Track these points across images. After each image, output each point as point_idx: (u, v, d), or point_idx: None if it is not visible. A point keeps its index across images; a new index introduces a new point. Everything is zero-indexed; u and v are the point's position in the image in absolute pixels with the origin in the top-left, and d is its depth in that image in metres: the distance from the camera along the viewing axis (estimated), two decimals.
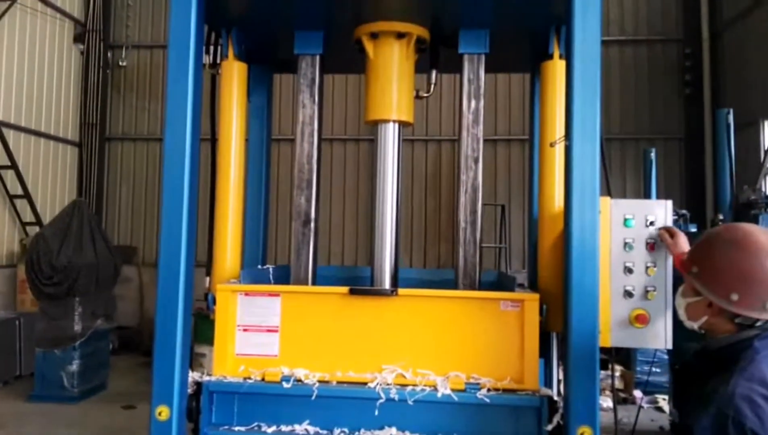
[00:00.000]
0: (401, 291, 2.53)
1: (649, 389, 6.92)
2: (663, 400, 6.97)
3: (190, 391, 2.48)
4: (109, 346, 7.64)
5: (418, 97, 2.92)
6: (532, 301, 2.45)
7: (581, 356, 2.27)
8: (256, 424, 2.51)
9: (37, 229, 8.39)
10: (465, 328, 2.48)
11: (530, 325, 2.44)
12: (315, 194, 2.88)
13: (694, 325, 1.80)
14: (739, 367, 1.61)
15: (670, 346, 2.42)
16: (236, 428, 2.50)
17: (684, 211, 6.85)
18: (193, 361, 6.57)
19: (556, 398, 2.39)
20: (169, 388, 2.40)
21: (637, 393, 7.10)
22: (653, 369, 6.91)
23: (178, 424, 2.42)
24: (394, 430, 2.42)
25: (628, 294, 2.43)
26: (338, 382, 2.48)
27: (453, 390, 2.38)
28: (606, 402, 6.72)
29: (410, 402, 2.38)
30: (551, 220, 2.74)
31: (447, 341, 2.48)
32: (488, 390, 2.39)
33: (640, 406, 6.49)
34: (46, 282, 6.79)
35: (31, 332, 7.32)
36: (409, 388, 2.41)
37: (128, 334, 9.17)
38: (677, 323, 2.32)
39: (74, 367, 6.85)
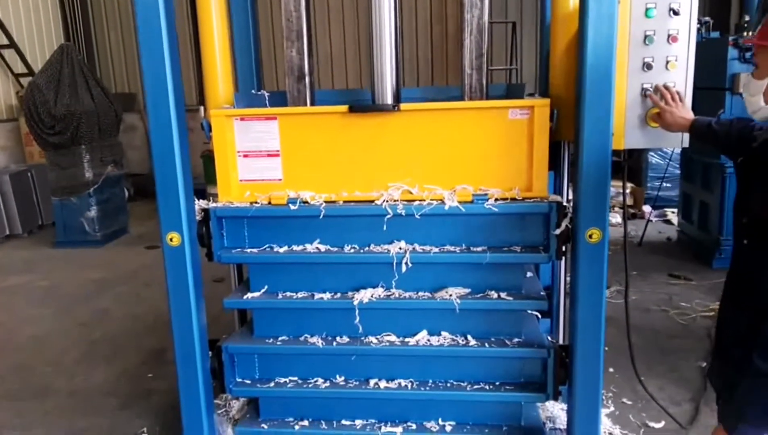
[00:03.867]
0: (404, 106, 2.40)
1: (658, 204, 7.00)
2: (671, 213, 7.09)
3: (198, 218, 2.48)
4: (124, 192, 7.76)
5: None
6: (542, 106, 2.32)
7: (593, 159, 2.19)
8: (267, 246, 2.56)
9: (30, 79, 8.15)
10: (472, 141, 2.39)
11: (540, 132, 2.34)
12: (307, 46, 2.60)
13: None
14: None
15: (686, 144, 2.33)
16: (248, 250, 2.55)
17: (707, 18, 6.43)
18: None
19: (565, 203, 2.36)
20: (176, 215, 2.41)
21: (646, 208, 7.21)
22: (664, 184, 6.94)
23: (191, 248, 2.46)
24: (402, 243, 2.45)
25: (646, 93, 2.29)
26: (345, 202, 2.46)
27: (460, 202, 2.36)
28: (615, 218, 6.87)
29: (417, 216, 2.37)
30: (564, 22, 2.51)
31: (453, 155, 2.41)
32: (496, 200, 2.36)
33: (649, 220, 6.65)
34: (49, 132, 6.73)
35: (44, 183, 7.42)
36: (416, 202, 2.39)
37: (141, 181, 9.28)
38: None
39: (93, 213, 7.02)
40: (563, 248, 2.35)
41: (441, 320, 2.54)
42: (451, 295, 2.45)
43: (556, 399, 2.52)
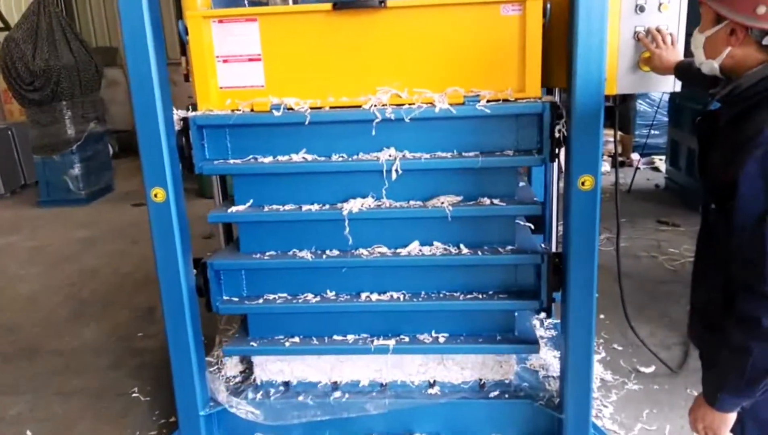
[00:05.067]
0: (390, 2, 2.27)
1: (646, 151, 6.98)
2: (659, 160, 7.08)
3: (177, 127, 2.38)
4: (108, 148, 7.62)
5: None
6: (535, 1, 2.22)
7: (585, 106, 2.14)
8: (251, 157, 2.47)
9: (6, 34, 7.86)
10: (463, 39, 2.29)
11: (533, 29, 2.24)
12: None
13: (715, 64, 1.52)
14: None
15: (678, 88, 2.27)
16: (231, 161, 2.47)
17: None
18: None
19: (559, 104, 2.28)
20: (160, 170, 2.33)
21: (635, 156, 7.19)
22: (652, 131, 6.90)
23: (176, 204, 2.39)
24: (392, 150, 2.38)
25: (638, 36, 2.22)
26: (331, 108, 2.37)
27: (451, 104, 2.27)
28: (604, 166, 6.84)
29: (407, 120, 2.28)
30: None
31: (443, 56, 2.32)
32: (488, 101, 2.27)
33: (637, 168, 6.63)
34: (28, 88, 6.56)
35: (26, 141, 7.27)
36: (406, 106, 2.30)
37: (125, 138, 9.10)
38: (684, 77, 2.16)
39: (76, 170, 6.90)
40: (556, 150, 2.29)
41: (433, 230, 2.48)
42: (442, 203, 2.39)
43: (549, 309, 2.51)
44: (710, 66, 1.55)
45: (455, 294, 2.53)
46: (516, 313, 2.62)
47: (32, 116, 6.78)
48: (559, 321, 3.31)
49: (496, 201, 2.41)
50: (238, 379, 2.84)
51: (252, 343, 2.66)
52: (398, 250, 2.49)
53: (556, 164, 3.03)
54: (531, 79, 2.29)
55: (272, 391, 2.72)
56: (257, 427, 2.66)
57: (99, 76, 7.18)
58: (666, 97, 6.24)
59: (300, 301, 2.56)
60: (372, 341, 2.56)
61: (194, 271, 2.52)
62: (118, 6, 2.20)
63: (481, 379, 2.68)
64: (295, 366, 2.73)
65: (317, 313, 2.58)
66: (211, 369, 2.83)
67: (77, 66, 6.70)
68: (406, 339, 2.57)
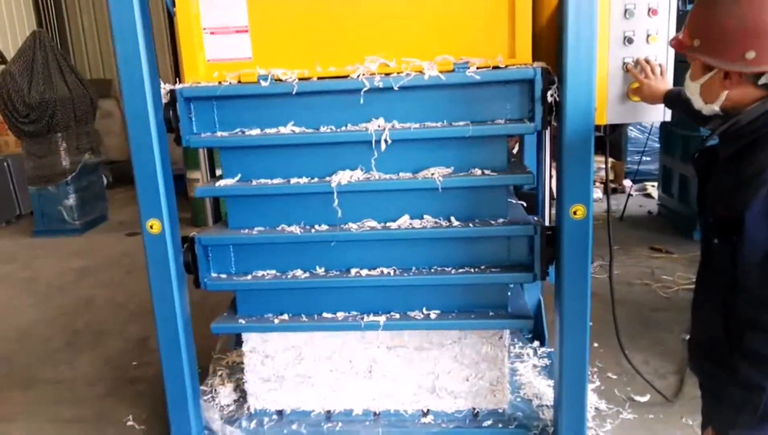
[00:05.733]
0: None
1: (638, 178, 7.05)
2: (651, 187, 7.14)
3: (164, 100, 2.37)
4: (102, 179, 7.64)
5: None
6: None
7: (576, 137, 2.19)
8: (239, 130, 2.46)
9: (3, 67, 7.95)
10: (451, 6, 2.29)
11: None
12: None
13: (715, 107, 1.53)
14: None
15: (668, 118, 2.33)
16: (219, 134, 2.46)
17: None
18: (187, 186, 6.61)
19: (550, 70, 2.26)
20: (156, 202, 2.37)
21: (627, 182, 7.26)
22: (644, 158, 6.97)
23: (171, 235, 2.42)
24: (381, 120, 2.36)
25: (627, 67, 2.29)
26: (319, 78, 2.35)
27: (441, 72, 2.26)
28: (596, 193, 6.90)
29: (396, 89, 2.26)
30: None
31: (432, 24, 2.31)
32: (478, 68, 2.26)
33: (629, 194, 6.70)
34: (24, 120, 6.61)
35: (21, 172, 7.28)
36: (394, 74, 2.29)
37: (120, 168, 9.14)
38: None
39: (71, 201, 6.91)
40: (549, 118, 2.26)
41: (423, 203, 2.45)
42: (433, 174, 2.36)
43: (543, 279, 2.42)
44: (711, 109, 1.56)
45: (447, 269, 2.48)
46: (509, 291, 2.57)
47: (27, 148, 6.81)
48: (552, 350, 3.33)
49: (487, 172, 2.38)
50: (231, 408, 2.84)
51: (240, 320, 2.60)
52: (388, 224, 2.45)
53: (548, 143, 3.05)
54: (521, 44, 2.27)
55: (266, 419, 2.71)
56: None
57: (93, 108, 7.25)
58: (657, 124, 6.33)
59: (289, 277, 2.51)
60: (362, 318, 2.50)
61: (182, 246, 2.50)
62: (113, 41, 2.24)
63: (474, 408, 2.68)
64: (289, 395, 2.73)
65: (306, 289, 2.54)
66: (206, 397, 2.82)
67: (72, 98, 6.77)
68: (397, 316, 2.52)
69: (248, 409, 2.76)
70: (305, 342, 2.66)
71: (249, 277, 2.55)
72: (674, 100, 2.14)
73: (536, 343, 3.39)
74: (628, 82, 2.31)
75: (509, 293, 2.59)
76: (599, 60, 2.21)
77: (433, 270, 2.49)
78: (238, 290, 2.62)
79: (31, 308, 4.88)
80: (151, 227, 2.39)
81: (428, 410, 2.68)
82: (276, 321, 2.57)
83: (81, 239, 6.85)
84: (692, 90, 1.59)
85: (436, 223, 2.45)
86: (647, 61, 2.26)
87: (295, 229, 2.48)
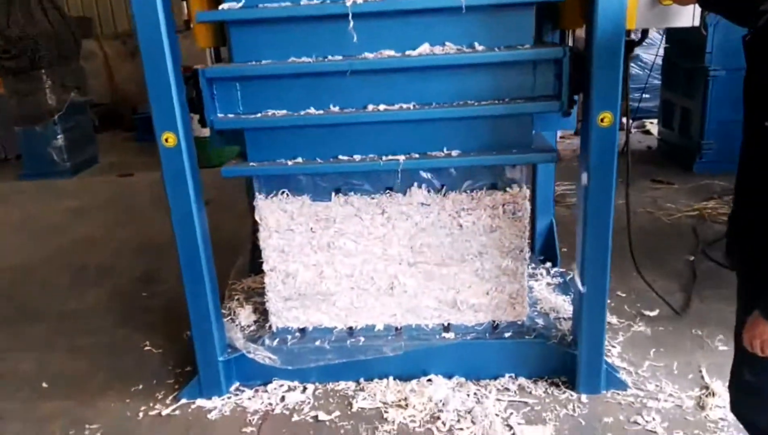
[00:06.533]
0: None
1: (638, 115, 7.03)
2: (650, 124, 7.16)
3: None
4: (90, 120, 7.44)
5: None
6: None
7: (606, 41, 2.14)
8: None
9: None
10: None
11: None
12: None
13: None
14: None
15: (697, 22, 2.29)
16: None
17: None
18: None
19: None
20: (170, 113, 2.30)
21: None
22: (644, 95, 6.93)
23: (187, 148, 2.36)
24: None
25: None
26: None
27: None
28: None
29: None
30: None
31: None
32: None
33: (629, 130, 6.67)
34: (4, 56, 6.35)
35: (5, 116, 7.05)
36: None
37: (105, 111, 8.90)
38: None
39: (60, 141, 6.73)
40: None
41: (444, 28, 2.30)
42: None
43: (570, 107, 2.33)
44: None
45: (469, 102, 2.34)
46: (533, 131, 2.48)
47: (11, 86, 6.57)
48: (564, 270, 3.38)
49: None
50: (252, 328, 2.85)
51: (252, 164, 2.48)
52: (407, 53, 2.32)
53: None
54: None
55: (289, 337, 2.73)
56: (275, 373, 2.68)
57: (78, 44, 7.00)
58: (659, 61, 6.28)
59: (302, 114, 2.37)
60: (380, 159, 2.40)
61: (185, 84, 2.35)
62: None
63: (494, 321, 2.71)
64: (310, 313, 2.74)
65: (321, 129, 2.40)
66: (225, 320, 2.82)
67: (55, 33, 6.52)
68: (416, 156, 2.41)
69: (270, 328, 2.77)
70: (327, 261, 2.65)
71: (258, 115, 2.39)
72: None
73: (549, 264, 3.43)
74: None
75: (533, 132, 2.48)
76: None
77: (455, 105, 2.35)
78: (247, 131, 2.45)
79: (30, 247, 4.79)
80: (167, 141, 2.33)
81: (449, 324, 2.71)
82: (289, 163, 2.45)
83: (73, 181, 6.71)
84: None
85: (458, 50, 2.31)
86: None
87: (308, 60, 2.33)
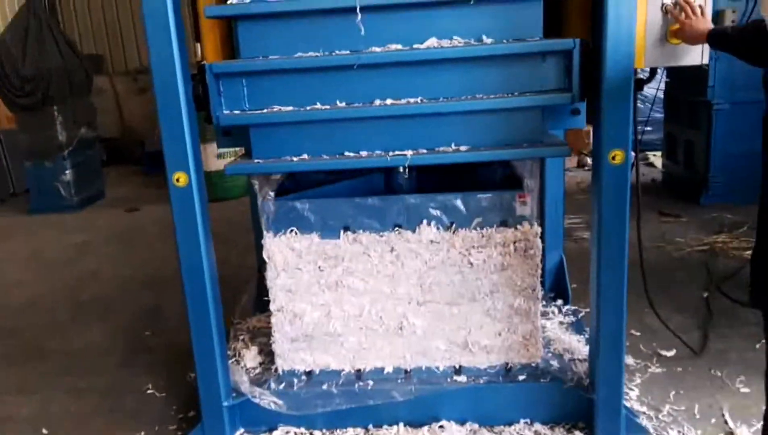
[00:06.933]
0: None
1: (641, 148, 7.02)
2: (654, 157, 7.15)
3: None
4: (98, 154, 7.50)
5: None
6: None
7: (616, 77, 2.13)
8: None
9: None
10: None
11: None
12: None
13: None
14: None
15: (706, 60, 2.28)
16: None
17: None
18: None
19: None
20: (182, 153, 2.28)
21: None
22: (646, 128, 6.94)
23: (198, 188, 2.34)
24: None
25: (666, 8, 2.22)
26: None
27: None
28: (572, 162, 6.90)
29: None
30: None
31: None
32: None
33: (634, 163, 6.65)
34: (19, 93, 6.44)
35: (15, 149, 7.12)
36: None
37: (114, 146, 8.99)
38: None
39: (68, 176, 6.77)
40: None
41: (452, 21, 2.27)
42: None
43: (583, 99, 2.29)
44: None
45: (478, 96, 2.30)
46: (545, 125, 2.42)
47: (22, 122, 6.65)
48: (576, 307, 3.32)
49: None
50: (258, 371, 2.78)
51: (257, 161, 2.42)
52: (415, 47, 2.29)
53: None
54: None
55: (295, 380, 2.66)
56: (280, 418, 2.60)
57: (89, 80, 7.08)
58: (660, 95, 6.30)
59: (308, 110, 2.33)
60: (387, 155, 2.35)
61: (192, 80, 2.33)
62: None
63: (507, 363, 2.64)
64: (317, 355, 2.67)
65: (327, 124, 2.36)
66: (230, 361, 2.76)
67: (67, 69, 6.60)
68: (424, 151, 2.35)
69: (275, 370, 2.71)
70: (334, 300, 2.60)
71: (264, 110, 2.35)
72: (720, 37, 2.09)
73: (560, 302, 3.37)
74: (666, 25, 2.25)
75: (545, 128, 2.42)
76: (638, 3, 2.14)
77: (463, 99, 2.31)
78: (252, 128, 2.41)
79: (36, 282, 4.77)
80: (178, 180, 2.31)
81: (460, 366, 2.64)
82: (295, 159, 2.40)
83: (80, 215, 6.72)
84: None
85: (466, 43, 2.28)
86: (687, 2, 2.21)
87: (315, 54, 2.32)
